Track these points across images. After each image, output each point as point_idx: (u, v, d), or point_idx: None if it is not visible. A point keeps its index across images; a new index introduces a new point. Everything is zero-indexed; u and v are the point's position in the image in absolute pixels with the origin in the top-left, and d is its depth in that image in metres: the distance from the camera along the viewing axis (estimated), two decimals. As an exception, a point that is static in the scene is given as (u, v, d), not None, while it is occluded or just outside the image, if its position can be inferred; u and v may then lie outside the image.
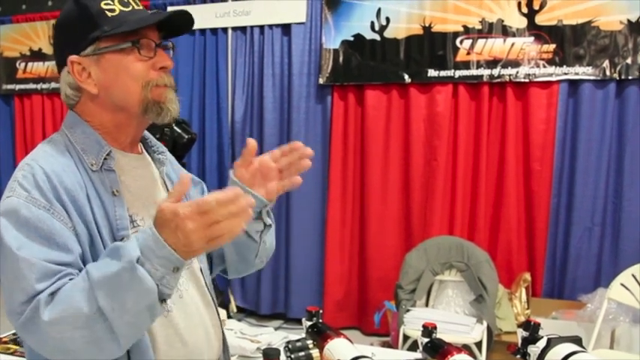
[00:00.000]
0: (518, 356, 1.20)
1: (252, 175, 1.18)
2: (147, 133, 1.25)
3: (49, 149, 1.06)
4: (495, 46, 3.55)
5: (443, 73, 3.66)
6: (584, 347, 1.13)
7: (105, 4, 1.05)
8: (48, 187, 0.98)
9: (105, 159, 1.07)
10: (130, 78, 1.06)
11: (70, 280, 0.94)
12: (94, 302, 0.89)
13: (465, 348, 2.35)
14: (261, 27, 4.10)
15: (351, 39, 3.84)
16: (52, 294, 0.92)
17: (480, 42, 3.58)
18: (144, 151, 1.22)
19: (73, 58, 1.06)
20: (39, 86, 4.82)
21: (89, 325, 0.90)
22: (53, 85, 4.76)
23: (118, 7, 1.06)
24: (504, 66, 3.53)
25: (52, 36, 1.13)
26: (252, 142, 1.18)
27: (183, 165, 3.32)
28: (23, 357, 1.93)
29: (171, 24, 1.11)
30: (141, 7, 1.09)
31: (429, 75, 3.69)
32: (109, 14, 1.05)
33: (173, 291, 0.94)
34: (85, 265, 0.98)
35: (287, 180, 1.19)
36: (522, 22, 3.49)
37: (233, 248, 1.27)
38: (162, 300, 0.93)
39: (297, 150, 1.19)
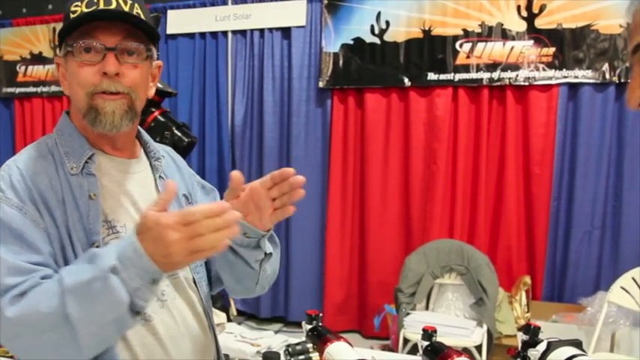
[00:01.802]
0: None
1: (245, 204, 1.09)
2: (147, 138, 1.24)
3: (32, 152, 1.09)
4: (495, 50, 3.56)
5: (443, 77, 3.66)
6: (584, 351, 1.13)
7: (74, 5, 1.05)
8: (22, 187, 1.01)
9: (86, 162, 1.07)
10: (76, 83, 1.06)
11: (43, 280, 0.94)
12: (61, 308, 0.87)
13: (465, 351, 2.34)
14: (261, 30, 4.11)
15: (351, 42, 3.85)
16: (23, 293, 0.91)
17: (480, 45, 3.58)
18: (142, 155, 1.20)
19: (56, 59, 1.11)
20: (39, 89, 4.82)
21: (53, 330, 0.89)
22: (53, 88, 4.76)
23: (81, 9, 1.04)
24: (504, 69, 3.53)
25: None
26: (236, 175, 1.09)
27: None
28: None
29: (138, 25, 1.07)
30: (111, 6, 1.04)
31: (428, 78, 3.69)
32: (71, 16, 1.05)
33: (148, 304, 0.91)
34: (55, 264, 0.99)
35: (279, 210, 1.09)
36: (522, 26, 3.50)
37: (230, 275, 1.22)
38: (137, 312, 0.90)
39: (288, 178, 1.07)
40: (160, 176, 1.20)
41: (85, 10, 1.04)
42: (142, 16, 1.08)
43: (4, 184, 1.01)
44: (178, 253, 0.86)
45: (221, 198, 1.36)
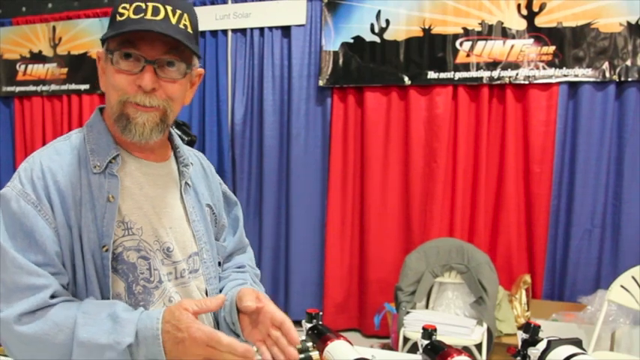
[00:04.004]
0: (518, 358, 1.20)
1: (250, 312, 1.11)
2: (178, 142, 1.23)
3: (59, 146, 1.10)
4: (495, 48, 3.55)
5: (442, 75, 3.66)
6: (584, 349, 1.13)
7: (122, 7, 1.03)
8: (41, 184, 1.02)
9: (110, 162, 1.07)
10: (112, 87, 1.06)
11: (53, 298, 0.97)
12: (68, 352, 0.93)
13: (465, 350, 2.34)
14: (261, 29, 4.11)
15: (351, 41, 3.85)
16: (32, 312, 0.95)
17: (480, 44, 3.58)
18: (171, 159, 1.20)
19: (98, 51, 1.09)
20: (39, 88, 4.82)
21: None
22: (53, 87, 4.76)
23: (128, 13, 1.02)
24: (504, 68, 3.53)
25: None
26: (251, 309, 1.09)
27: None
28: None
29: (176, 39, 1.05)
30: (158, 18, 1.01)
31: (428, 77, 3.69)
32: (118, 18, 1.03)
33: None
34: (61, 264, 1.01)
35: (264, 347, 1.08)
36: (522, 24, 3.49)
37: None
38: None
39: (291, 343, 1.05)
40: (186, 183, 1.20)
41: (132, 16, 1.01)
42: (189, 29, 1.06)
43: (25, 178, 1.03)
44: None
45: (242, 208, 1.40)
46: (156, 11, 1.02)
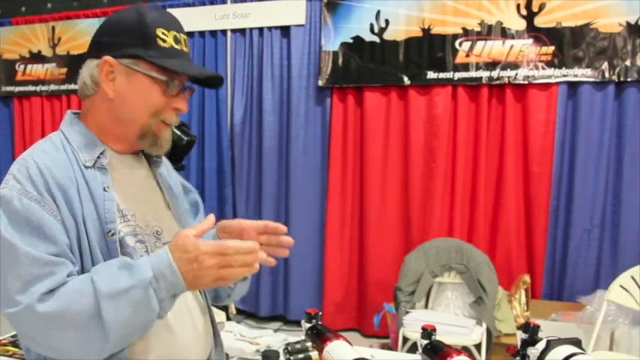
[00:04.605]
0: (518, 358, 1.20)
1: (233, 237, 1.21)
2: None
3: (45, 146, 1.13)
4: (494, 48, 3.55)
5: (442, 75, 3.66)
6: (583, 349, 1.13)
7: (161, 32, 1.12)
8: (40, 181, 1.04)
9: (98, 157, 1.13)
10: (146, 103, 1.13)
11: (68, 277, 0.99)
12: (95, 310, 0.94)
13: (465, 350, 2.35)
14: (261, 29, 4.11)
15: (351, 41, 3.85)
16: (51, 291, 0.96)
17: (479, 44, 3.58)
18: (140, 153, 1.27)
19: (108, 58, 1.11)
20: (38, 88, 4.82)
21: (82, 329, 0.95)
22: (52, 87, 4.76)
23: (170, 41, 1.13)
24: (503, 68, 3.53)
25: (100, 26, 1.18)
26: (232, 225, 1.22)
27: (183, 167, 3.32)
28: (22, 359, 1.93)
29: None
30: (186, 50, 1.17)
31: (428, 77, 3.69)
32: (160, 43, 1.12)
33: (167, 314, 1.01)
34: (71, 254, 1.03)
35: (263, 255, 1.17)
36: (521, 24, 3.49)
37: None
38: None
39: (280, 234, 1.20)
40: (160, 173, 1.29)
41: (175, 46, 1.14)
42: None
43: (22, 177, 1.04)
44: (207, 277, 0.98)
45: (203, 200, 1.49)
46: (184, 42, 1.18)
